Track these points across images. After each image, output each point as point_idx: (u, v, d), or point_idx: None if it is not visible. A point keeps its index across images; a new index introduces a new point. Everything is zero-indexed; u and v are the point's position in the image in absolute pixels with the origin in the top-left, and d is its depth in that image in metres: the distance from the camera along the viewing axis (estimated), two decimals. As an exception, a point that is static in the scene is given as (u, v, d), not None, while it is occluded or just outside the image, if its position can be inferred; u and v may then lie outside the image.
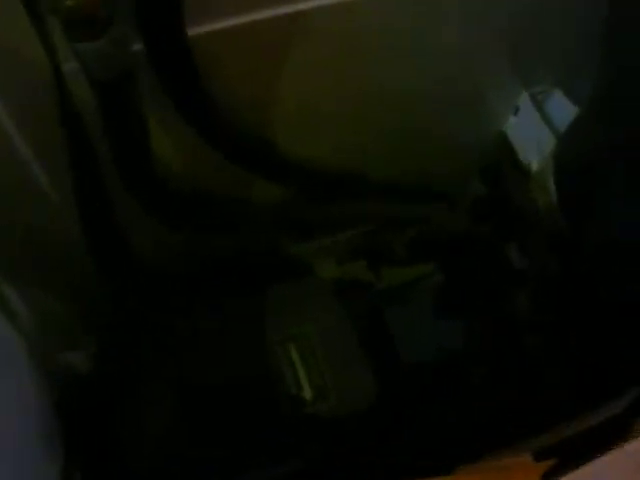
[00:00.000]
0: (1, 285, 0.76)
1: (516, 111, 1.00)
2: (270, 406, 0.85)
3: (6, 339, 0.73)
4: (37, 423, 0.74)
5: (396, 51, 0.78)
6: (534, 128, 0.98)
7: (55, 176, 0.74)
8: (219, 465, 0.82)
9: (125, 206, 0.75)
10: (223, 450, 0.83)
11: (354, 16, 0.69)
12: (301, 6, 0.66)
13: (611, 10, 0.73)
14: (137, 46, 0.60)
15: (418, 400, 0.90)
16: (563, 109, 0.95)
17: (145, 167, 0.72)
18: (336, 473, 0.82)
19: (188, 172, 0.84)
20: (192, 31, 0.61)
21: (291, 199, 0.97)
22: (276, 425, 0.84)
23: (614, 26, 0.74)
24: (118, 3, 0.53)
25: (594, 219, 0.89)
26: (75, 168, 0.66)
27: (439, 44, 0.79)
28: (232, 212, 0.92)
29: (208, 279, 0.97)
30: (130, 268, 0.82)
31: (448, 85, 0.87)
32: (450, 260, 1.08)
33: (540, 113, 0.97)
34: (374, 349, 0.91)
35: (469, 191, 1.11)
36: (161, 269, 0.91)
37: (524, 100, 0.98)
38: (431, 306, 1.01)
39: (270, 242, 1.05)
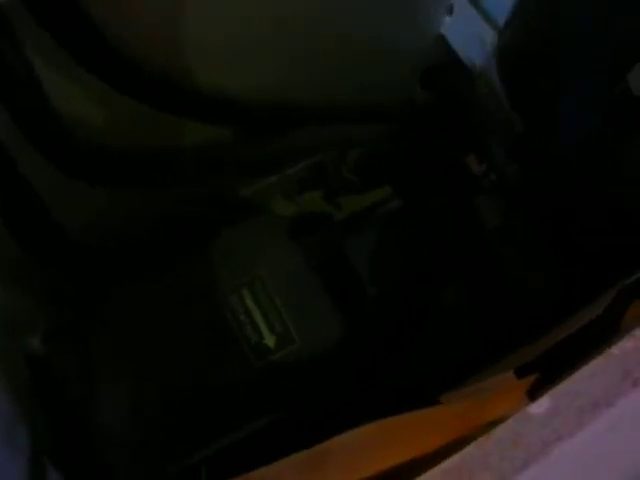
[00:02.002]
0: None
1: (450, 10, 0.93)
2: (234, 361, 0.80)
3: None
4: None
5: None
6: (472, 25, 0.92)
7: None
8: (193, 434, 0.78)
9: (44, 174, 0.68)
10: (193, 417, 0.78)
11: None
12: None
13: None
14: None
15: (389, 331, 0.85)
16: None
17: (47, 120, 0.65)
18: (313, 419, 0.78)
19: (108, 123, 0.77)
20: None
21: (227, 139, 0.91)
22: (243, 380, 0.79)
23: None
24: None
25: (545, 114, 0.84)
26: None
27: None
28: (163, 162, 0.85)
29: (150, 240, 0.91)
30: (58, 241, 0.76)
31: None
32: (406, 179, 1.02)
33: (476, 8, 0.91)
34: (336, 284, 0.85)
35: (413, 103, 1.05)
36: (94, 239, 0.84)
37: (457, -4, 0.91)
38: (393, 231, 0.96)
39: (212, 190, 0.99)
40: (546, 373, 0.53)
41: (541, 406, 0.40)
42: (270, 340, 0.81)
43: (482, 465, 0.38)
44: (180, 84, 0.76)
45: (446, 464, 0.40)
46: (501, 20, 0.89)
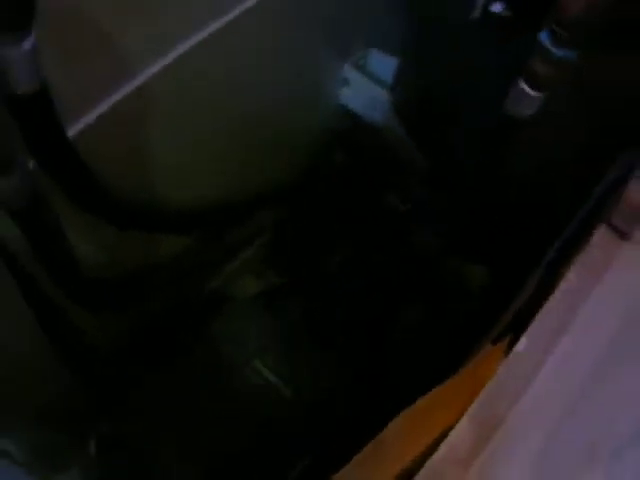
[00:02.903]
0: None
1: (345, 82, 1.11)
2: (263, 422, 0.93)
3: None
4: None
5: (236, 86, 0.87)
6: (366, 90, 1.10)
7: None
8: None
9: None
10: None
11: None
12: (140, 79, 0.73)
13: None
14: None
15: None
16: (384, 63, 1.07)
17: (70, 267, 0.77)
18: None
19: (109, 258, 0.90)
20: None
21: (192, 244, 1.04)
22: (272, 435, 0.92)
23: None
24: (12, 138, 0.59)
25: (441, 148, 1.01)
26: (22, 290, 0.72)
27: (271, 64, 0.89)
28: (146, 281, 0.98)
29: (151, 346, 1.03)
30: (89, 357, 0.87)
31: (284, 88, 0.98)
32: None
33: (366, 75, 1.09)
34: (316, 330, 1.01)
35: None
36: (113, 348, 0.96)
37: (348, 70, 1.09)
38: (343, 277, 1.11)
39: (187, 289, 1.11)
40: (517, 331, 0.68)
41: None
42: (287, 392, 0.95)
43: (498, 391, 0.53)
44: (150, 206, 0.90)
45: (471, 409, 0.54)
46: (389, 78, 1.07)
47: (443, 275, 1.05)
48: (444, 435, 0.61)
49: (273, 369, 0.97)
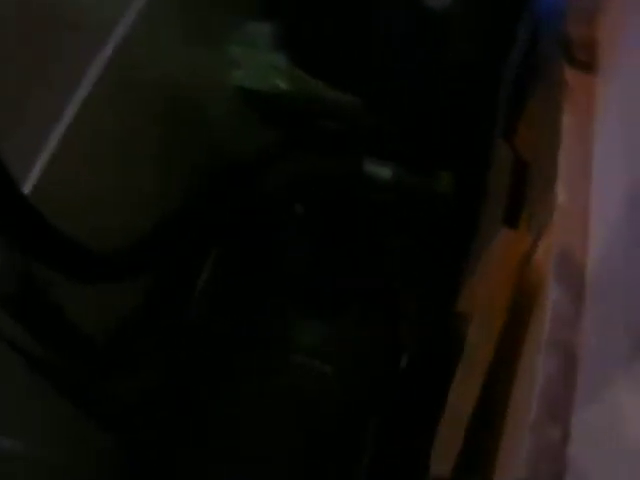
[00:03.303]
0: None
1: (238, 65, 1.08)
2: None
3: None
4: None
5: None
6: (258, 63, 1.07)
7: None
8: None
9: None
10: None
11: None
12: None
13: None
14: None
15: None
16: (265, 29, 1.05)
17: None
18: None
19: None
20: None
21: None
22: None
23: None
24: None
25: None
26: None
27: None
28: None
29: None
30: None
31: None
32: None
33: (253, 49, 1.06)
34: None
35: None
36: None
37: (233, 50, 1.07)
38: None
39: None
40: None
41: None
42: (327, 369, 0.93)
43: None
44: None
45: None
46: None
47: (411, 193, 1.03)
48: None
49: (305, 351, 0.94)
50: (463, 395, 0.60)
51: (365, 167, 0.99)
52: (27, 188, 0.68)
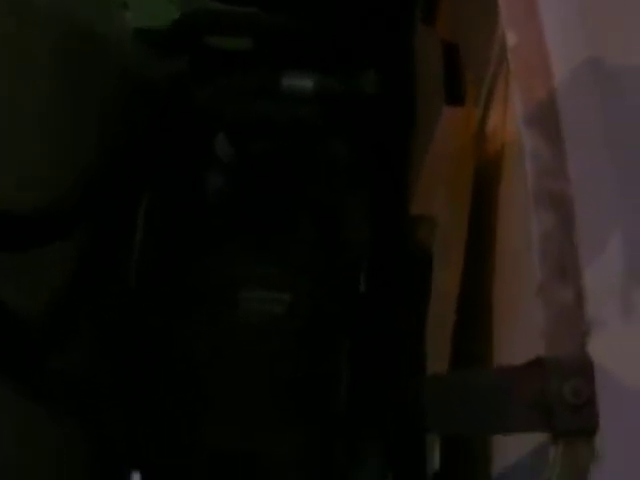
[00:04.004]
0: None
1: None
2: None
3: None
4: None
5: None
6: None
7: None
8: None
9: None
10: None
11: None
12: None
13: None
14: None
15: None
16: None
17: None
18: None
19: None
20: None
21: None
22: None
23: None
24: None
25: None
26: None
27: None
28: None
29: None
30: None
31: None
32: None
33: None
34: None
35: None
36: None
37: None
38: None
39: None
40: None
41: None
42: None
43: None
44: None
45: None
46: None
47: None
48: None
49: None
50: (446, 280, 0.57)
51: (283, 82, 0.93)
52: None
